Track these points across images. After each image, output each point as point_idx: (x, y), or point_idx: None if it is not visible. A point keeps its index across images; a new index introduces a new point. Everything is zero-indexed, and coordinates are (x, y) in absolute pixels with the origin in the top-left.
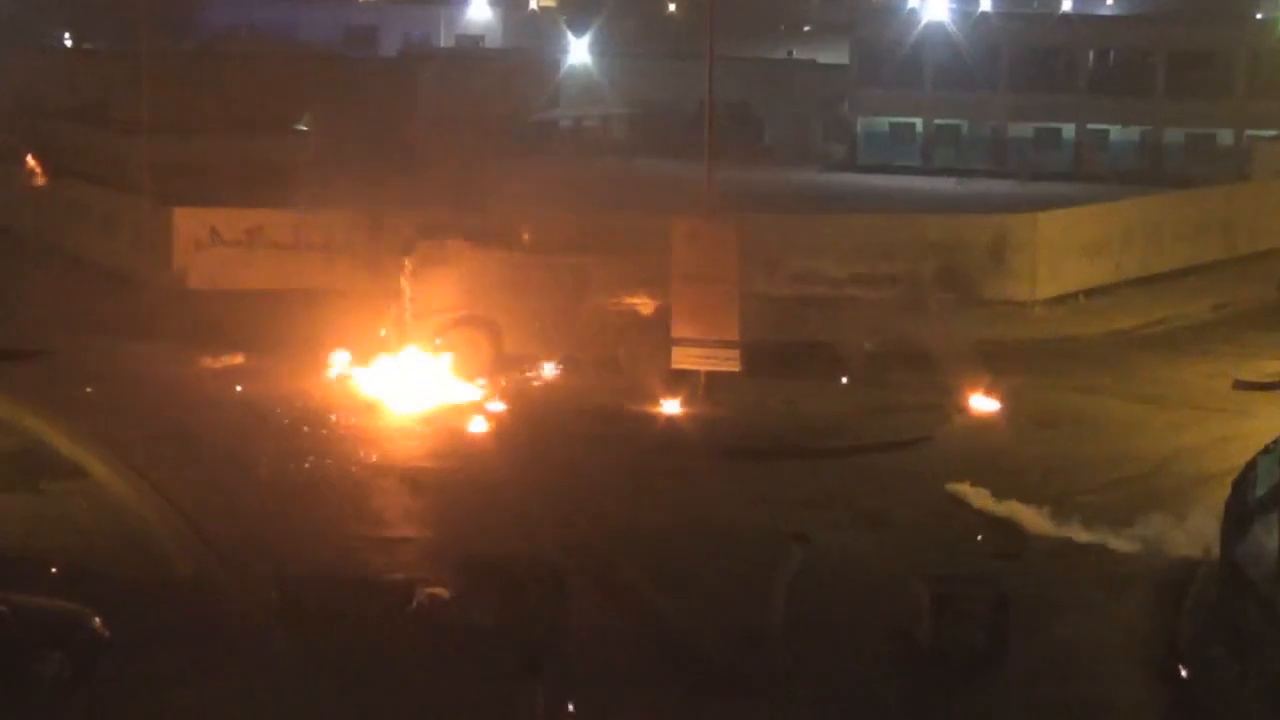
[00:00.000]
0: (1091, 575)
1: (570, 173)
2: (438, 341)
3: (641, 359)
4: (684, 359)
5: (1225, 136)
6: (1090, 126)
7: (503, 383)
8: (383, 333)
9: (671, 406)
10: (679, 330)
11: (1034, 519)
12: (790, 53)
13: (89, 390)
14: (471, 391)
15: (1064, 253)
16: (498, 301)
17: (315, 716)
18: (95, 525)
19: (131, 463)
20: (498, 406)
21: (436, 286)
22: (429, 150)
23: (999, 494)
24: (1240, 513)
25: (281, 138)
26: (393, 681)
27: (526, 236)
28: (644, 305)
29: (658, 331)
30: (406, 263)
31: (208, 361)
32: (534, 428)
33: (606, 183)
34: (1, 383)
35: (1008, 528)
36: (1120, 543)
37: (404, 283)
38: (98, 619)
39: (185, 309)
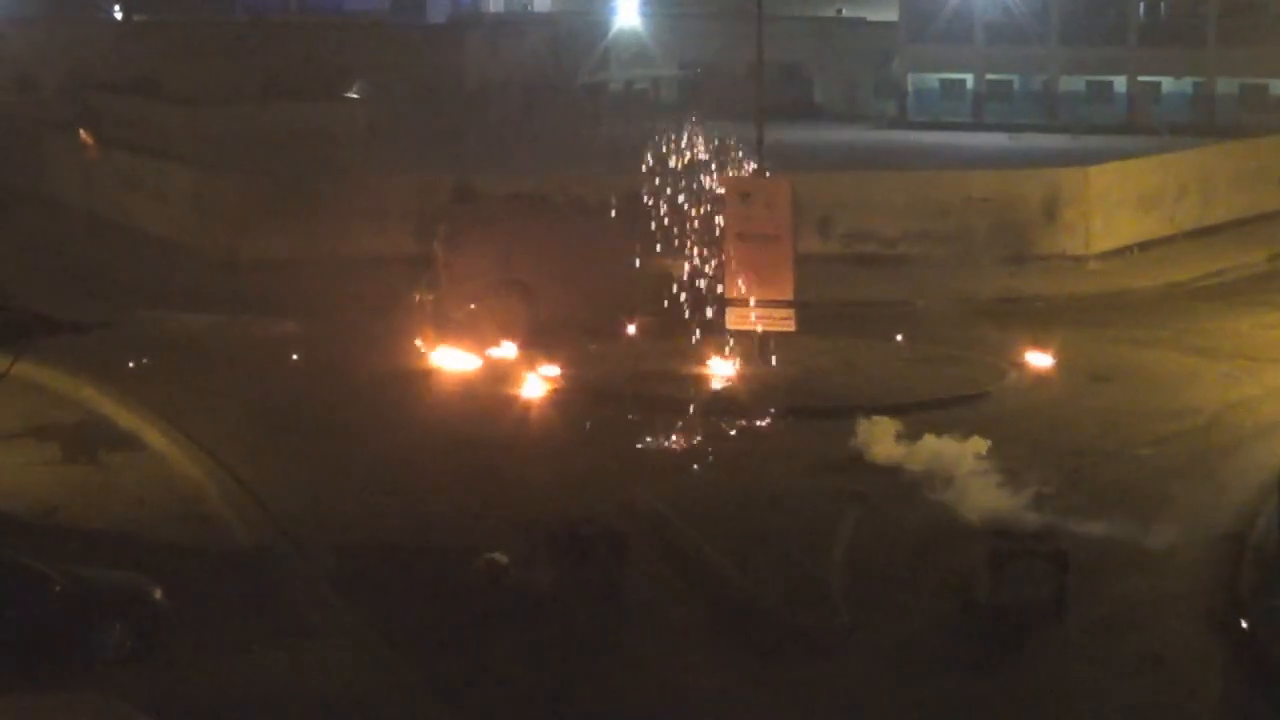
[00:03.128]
0: (1152, 525)
1: (619, 135)
2: (472, 307)
3: (676, 320)
4: (738, 319)
5: (1277, 86)
6: (1142, 79)
7: (557, 347)
8: (419, 299)
9: (727, 367)
10: (733, 290)
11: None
12: (839, 10)
13: (145, 361)
14: (526, 355)
15: (1117, 206)
16: (531, 265)
17: (376, 685)
18: (154, 496)
19: (189, 433)
20: (553, 370)
21: (470, 251)
22: (478, 116)
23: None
24: None
25: (331, 106)
26: (452, 649)
27: (559, 199)
28: (676, 266)
29: (691, 292)
30: (440, 228)
31: (262, 331)
32: (589, 391)
33: (655, 144)
34: (58, 354)
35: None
36: (1181, 492)
37: (438, 247)
38: (158, 589)
39: (238, 278)
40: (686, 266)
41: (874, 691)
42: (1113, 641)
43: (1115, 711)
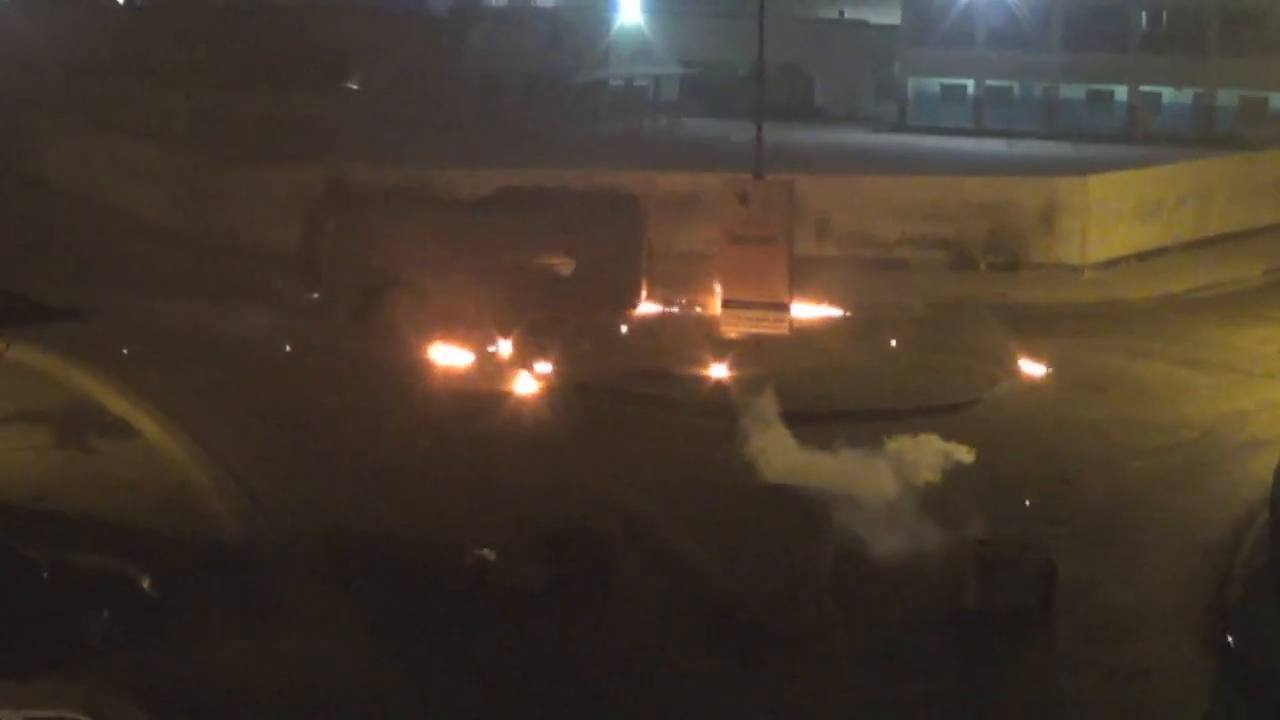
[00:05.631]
0: (1142, 539)
1: (615, 132)
2: (360, 308)
3: (559, 322)
4: (731, 322)
5: (1277, 100)
6: (1143, 88)
7: (549, 343)
8: (298, 298)
9: (719, 370)
10: (727, 292)
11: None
12: (842, 13)
13: (138, 348)
14: (517, 353)
15: (1115, 216)
16: (417, 263)
17: (363, 678)
18: (144, 484)
19: (181, 421)
20: (545, 368)
21: (351, 248)
22: (478, 109)
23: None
24: None
25: (328, 95)
26: (437, 643)
27: (439, 193)
28: (563, 265)
29: (578, 292)
30: (322, 223)
31: (258, 319)
32: (581, 390)
33: (650, 142)
34: (52, 340)
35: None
36: (1171, 504)
37: (318, 242)
38: (146, 578)
39: (235, 266)
40: (570, 264)
41: (857, 695)
42: (1099, 652)
43: None
